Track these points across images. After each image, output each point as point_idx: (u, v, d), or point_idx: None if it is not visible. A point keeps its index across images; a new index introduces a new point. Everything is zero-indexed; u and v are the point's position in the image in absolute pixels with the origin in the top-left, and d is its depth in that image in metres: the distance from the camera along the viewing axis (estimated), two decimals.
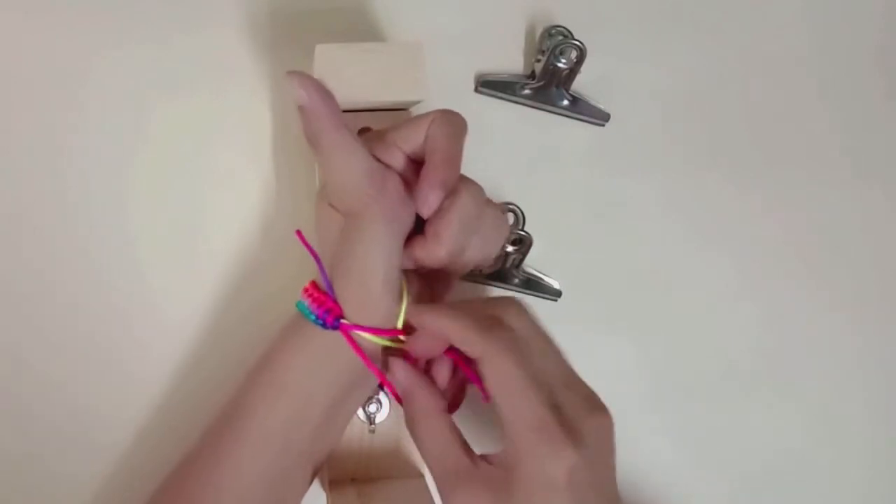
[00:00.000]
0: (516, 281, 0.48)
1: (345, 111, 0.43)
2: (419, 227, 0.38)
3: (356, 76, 0.40)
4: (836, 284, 0.52)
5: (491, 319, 0.35)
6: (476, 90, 0.50)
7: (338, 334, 0.37)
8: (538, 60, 0.48)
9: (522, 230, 0.46)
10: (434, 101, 0.42)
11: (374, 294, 0.36)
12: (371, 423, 0.44)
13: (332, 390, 0.38)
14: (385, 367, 0.39)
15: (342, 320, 0.37)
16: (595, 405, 0.35)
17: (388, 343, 0.38)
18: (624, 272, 0.50)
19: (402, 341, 0.38)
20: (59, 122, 0.46)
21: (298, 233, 0.39)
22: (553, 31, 0.49)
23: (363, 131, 0.44)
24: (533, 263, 0.49)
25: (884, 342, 0.52)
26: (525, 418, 0.32)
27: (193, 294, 0.46)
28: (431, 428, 0.36)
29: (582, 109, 0.50)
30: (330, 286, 0.37)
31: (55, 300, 0.45)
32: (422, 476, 0.44)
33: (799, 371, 0.51)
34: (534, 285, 0.49)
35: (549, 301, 0.49)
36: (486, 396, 0.34)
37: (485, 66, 0.50)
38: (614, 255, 0.50)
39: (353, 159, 0.36)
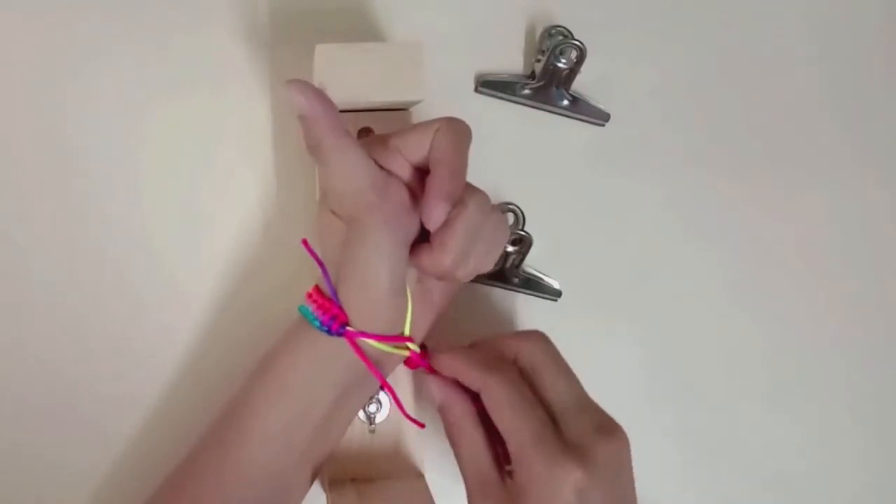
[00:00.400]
0: (516, 281, 0.48)
1: (345, 111, 0.43)
2: (424, 235, 0.37)
3: (356, 76, 0.40)
4: (836, 284, 0.52)
5: (496, 359, 0.38)
6: (476, 90, 0.50)
7: (341, 339, 0.37)
8: (538, 60, 0.48)
9: (522, 230, 0.46)
10: (434, 101, 0.42)
11: (378, 301, 0.36)
12: (371, 423, 0.44)
13: (334, 393, 0.38)
14: (386, 370, 0.39)
15: (347, 327, 0.37)
16: (609, 427, 0.36)
17: (392, 350, 0.38)
18: (624, 272, 0.50)
19: (407, 347, 0.39)
20: (59, 123, 0.46)
21: (304, 242, 0.39)
22: (553, 31, 0.49)
23: (363, 132, 0.44)
24: (533, 263, 0.49)
25: (885, 342, 0.52)
26: (525, 440, 0.34)
27: (193, 293, 0.46)
28: (466, 440, 0.37)
29: (582, 109, 0.50)
30: (334, 293, 0.37)
31: (54, 299, 0.45)
32: (422, 476, 0.44)
33: (799, 371, 0.51)
34: (534, 285, 0.49)
35: (549, 301, 0.49)
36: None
37: (485, 66, 0.50)
38: (614, 255, 0.50)
39: (356, 166, 0.36)
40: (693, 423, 0.50)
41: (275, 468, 0.37)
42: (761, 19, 0.53)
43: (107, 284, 0.45)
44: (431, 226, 0.36)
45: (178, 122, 0.47)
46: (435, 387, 0.39)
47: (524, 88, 0.49)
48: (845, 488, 0.51)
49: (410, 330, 0.38)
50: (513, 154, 0.50)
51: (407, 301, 0.38)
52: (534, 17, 0.50)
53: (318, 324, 0.37)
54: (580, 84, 0.49)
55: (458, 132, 0.37)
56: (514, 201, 0.47)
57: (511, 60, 0.50)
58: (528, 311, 0.49)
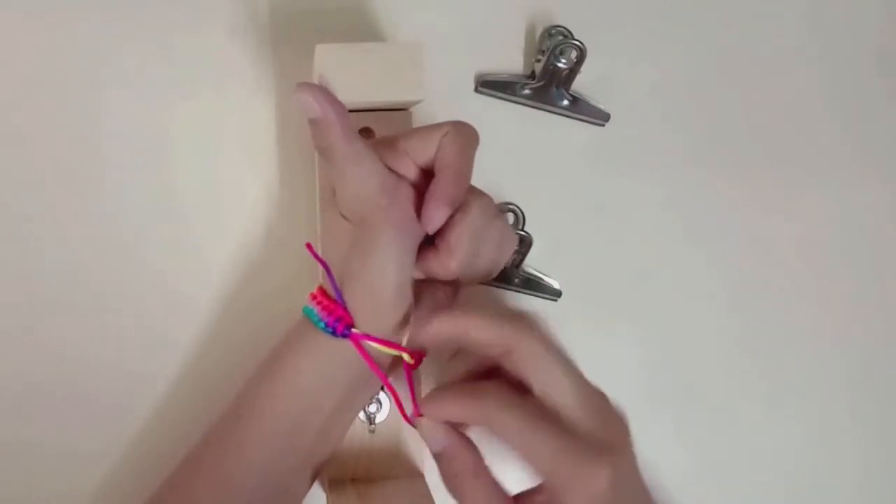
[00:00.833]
0: (516, 281, 0.48)
1: None
2: (430, 238, 0.38)
3: (356, 76, 0.40)
4: (837, 284, 0.52)
5: (485, 379, 0.36)
6: (476, 90, 0.50)
7: (346, 341, 0.37)
8: (538, 60, 0.48)
9: (522, 230, 0.46)
10: (434, 101, 0.42)
11: (384, 303, 0.36)
12: (371, 423, 0.44)
13: (337, 394, 0.38)
14: (390, 371, 0.39)
15: (353, 329, 0.37)
16: (617, 414, 0.36)
17: (396, 354, 0.38)
18: (624, 272, 0.50)
19: (407, 355, 0.38)
20: (60, 125, 0.46)
21: (308, 246, 0.39)
22: (553, 31, 0.49)
23: (363, 132, 0.44)
24: (533, 263, 0.49)
25: (885, 342, 0.52)
26: (549, 455, 0.32)
27: (194, 294, 0.46)
28: (477, 487, 0.35)
29: (582, 109, 0.50)
30: (340, 294, 0.37)
31: (55, 300, 0.45)
32: (422, 476, 0.44)
33: (799, 371, 0.51)
34: (534, 285, 0.49)
35: (549, 301, 0.49)
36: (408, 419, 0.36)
37: (485, 66, 0.50)
38: (614, 255, 0.50)
39: (367, 170, 0.36)
40: (693, 423, 0.50)
41: (276, 469, 0.37)
42: (761, 19, 0.53)
43: (110, 283, 0.46)
44: (430, 229, 0.36)
45: (179, 122, 0.47)
46: (429, 433, 0.36)
47: (524, 88, 0.49)
48: (845, 488, 0.51)
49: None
50: (513, 154, 0.50)
51: (411, 304, 0.38)
52: (534, 17, 0.50)
53: (322, 325, 0.37)
54: (580, 84, 0.49)
55: (465, 137, 0.37)
56: (514, 201, 0.47)
57: (511, 60, 0.50)
58: None
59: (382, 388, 0.43)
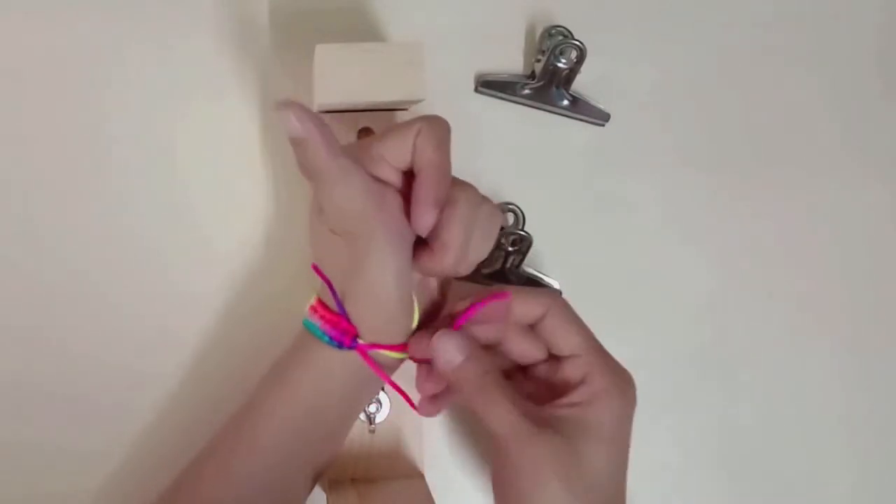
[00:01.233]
0: (516, 281, 0.48)
1: (345, 111, 0.43)
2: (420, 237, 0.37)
3: (356, 76, 0.40)
4: (837, 284, 0.52)
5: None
6: (476, 90, 0.50)
7: (350, 351, 0.37)
8: (538, 60, 0.48)
9: (522, 230, 0.46)
10: (434, 101, 0.42)
11: (390, 314, 0.36)
12: (371, 423, 0.44)
13: (342, 403, 0.39)
14: (391, 371, 0.39)
15: (359, 340, 0.37)
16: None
17: (404, 356, 0.38)
18: (623, 272, 0.50)
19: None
20: (60, 127, 0.46)
21: (314, 266, 0.38)
22: (553, 31, 0.49)
23: (363, 132, 0.44)
24: (533, 263, 0.49)
25: (884, 342, 0.52)
26: (596, 347, 0.38)
27: (194, 297, 0.46)
28: (498, 392, 0.36)
29: (582, 109, 0.50)
30: (342, 307, 0.37)
31: (54, 302, 0.45)
32: (422, 476, 0.44)
33: (799, 370, 0.51)
34: (534, 285, 0.49)
35: None
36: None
37: (485, 66, 0.50)
38: (614, 255, 0.50)
39: (354, 187, 0.35)
40: (693, 423, 0.50)
41: (280, 474, 0.37)
42: (761, 19, 0.53)
43: (111, 284, 0.46)
44: (423, 232, 0.36)
45: (178, 123, 0.47)
46: (451, 344, 0.36)
47: (524, 88, 0.49)
48: (845, 488, 0.51)
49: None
50: (513, 154, 0.50)
51: (414, 305, 0.38)
52: (534, 17, 0.50)
53: (327, 339, 0.37)
54: (580, 84, 0.49)
55: (438, 131, 0.36)
56: (514, 201, 0.47)
57: (511, 60, 0.50)
58: None
59: (383, 388, 0.43)
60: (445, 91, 0.48)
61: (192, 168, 0.47)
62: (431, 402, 0.39)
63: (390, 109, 0.44)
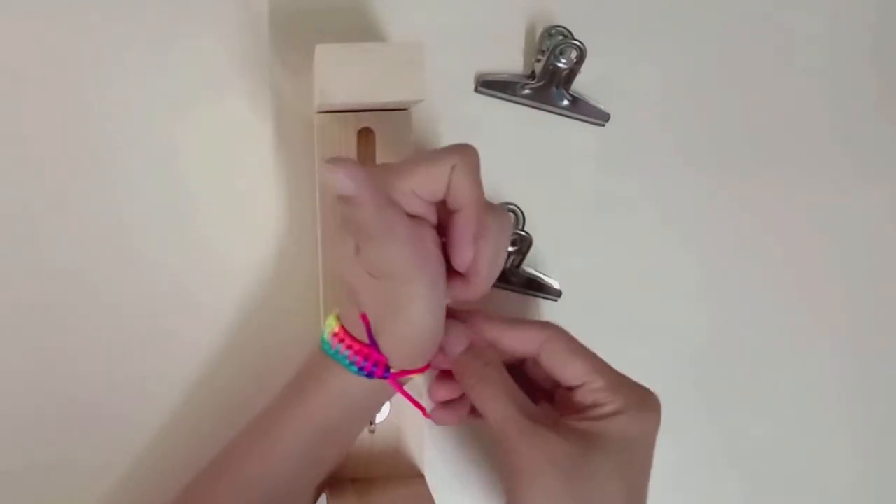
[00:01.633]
0: (516, 281, 0.48)
1: (345, 111, 0.43)
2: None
3: (356, 76, 0.40)
4: (837, 284, 0.52)
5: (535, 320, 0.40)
6: (476, 90, 0.50)
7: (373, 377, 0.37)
8: (538, 60, 0.48)
9: (522, 230, 0.46)
10: (434, 101, 0.42)
11: (426, 346, 0.37)
12: (371, 423, 0.44)
13: (358, 424, 0.40)
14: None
15: (390, 370, 0.37)
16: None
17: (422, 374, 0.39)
18: (624, 272, 0.50)
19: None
20: (62, 129, 0.46)
21: (363, 316, 0.37)
22: (553, 31, 0.49)
23: (363, 132, 0.44)
24: (533, 263, 0.49)
25: (883, 341, 0.52)
26: (610, 373, 0.37)
27: (198, 304, 0.46)
28: (499, 384, 0.37)
29: (582, 109, 0.50)
30: (374, 342, 0.37)
31: (61, 314, 0.46)
32: (422, 476, 0.44)
33: (799, 370, 0.51)
34: (534, 285, 0.49)
35: (549, 301, 0.49)
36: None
37: (485, 66, 0.50)
38: (614, 255, 0.50)
39: (399, 240, 0.34)
40: (693, 423, 0.50)
41: (288, 488, 0.38)
42: (762, 19, 0.53)
43: (116, 292, 0.46)
44: (462, 268, 0.36)
45: (178, 123, 0.47)
46: (455, 337, 0.38)
47: (524, 88, 0.49)
48: (844, 488, 0.51)
49: None
50: (513, 154, 0.50)
51: (443, 330, 0.37)
52: (534, 17, 0.50)
53: (355, 369, 0.37)
54: (580, 84, 0.49)
55: (473, 166, 0.35)
56: (514, 201, 0.47)
57: (511, 60, 0.50)
58: (528, 312, 0.49)
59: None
60: (445, 91, 0.48)
61: (195, 171, 0.47)
62: (444, 410, 0.40)
63: (390, 109, 0.44)
